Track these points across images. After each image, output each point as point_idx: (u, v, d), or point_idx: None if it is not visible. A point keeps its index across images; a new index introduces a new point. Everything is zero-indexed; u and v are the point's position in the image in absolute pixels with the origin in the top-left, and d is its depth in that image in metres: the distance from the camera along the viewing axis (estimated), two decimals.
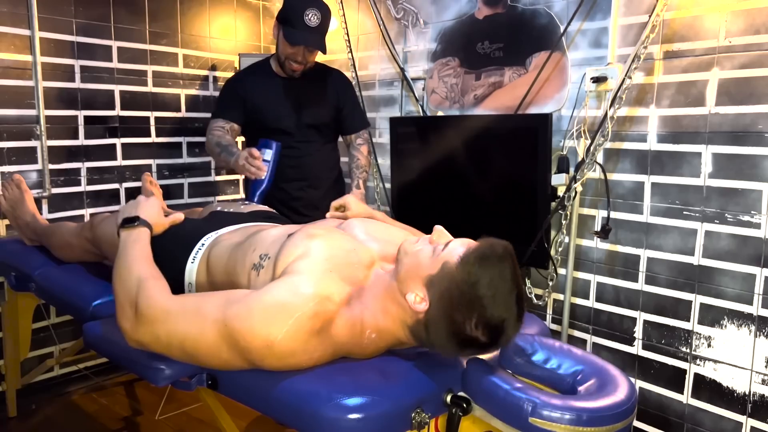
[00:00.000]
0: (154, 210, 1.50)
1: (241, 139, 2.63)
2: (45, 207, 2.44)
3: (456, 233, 1.21)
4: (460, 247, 1.12)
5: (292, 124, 2.31)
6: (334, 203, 1.70)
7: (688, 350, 1.95)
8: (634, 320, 2.07)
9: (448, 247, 1.13)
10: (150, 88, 2.73)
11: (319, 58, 2.37)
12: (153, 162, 2.78)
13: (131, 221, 1.44)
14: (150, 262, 1.36)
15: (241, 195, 3.14)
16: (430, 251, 1.14)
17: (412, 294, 1.12)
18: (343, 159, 2.53)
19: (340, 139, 2.49)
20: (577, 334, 2.22)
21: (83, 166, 2.55)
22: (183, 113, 2.87)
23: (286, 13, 2.19)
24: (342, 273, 1.21)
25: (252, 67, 2.43)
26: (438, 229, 1.19)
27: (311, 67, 2.30)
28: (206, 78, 2.94)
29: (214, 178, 3.03)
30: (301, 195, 2.37)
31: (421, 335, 1.15)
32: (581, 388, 1.13)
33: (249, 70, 2.42)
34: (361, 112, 2.48)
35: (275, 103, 2.31)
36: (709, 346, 1.91)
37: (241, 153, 2.07)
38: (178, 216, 1.56)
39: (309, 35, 2.16)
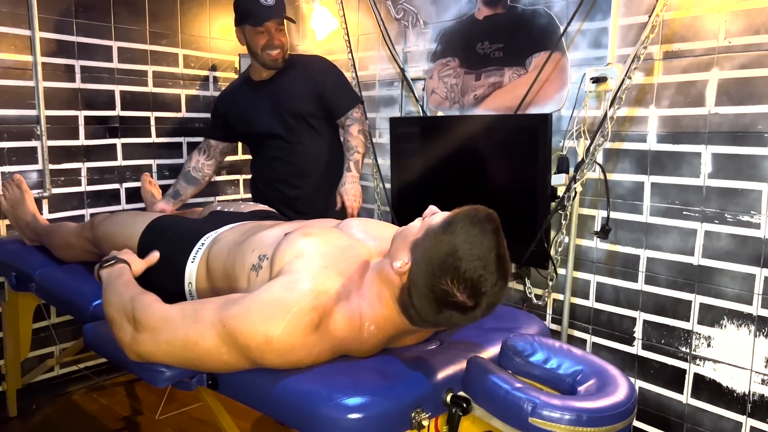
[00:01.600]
0: (129, 254, 1.50)
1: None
2: (45, 207, 2.44)
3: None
4: (445, 213, 1.15)
5: (277, 124, 2.26)
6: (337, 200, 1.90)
7: (687, 350, 1.96)
8: (633, 320, 2.07)
9: (434, 215, 1.16)
10: (150, 88, 2.73)
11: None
12: (153, 162, 2.78)
13: (109, 260, 1.45)
14: (138, 286, 1.35)
15: (242, 195, 3.14)
16: (419, 222, 1.18)
17: (399, 261, 1.13)
18: None
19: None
20: (576, 334, 2.22)
21: (83, 166, 2.55)
22: (183, 113, 2.87)
23: (240, 10, 2.18)
24: (338, 269, 1.22)
25: (231, 83, 2.48)
26: (431, 206, 1.21)
27: (285, 59, 2.23)
28: (206, 78, 2.94)
29: (214, 178, 3.02)
30: (297, 193, 2.32)
31: (406, 305, 1.14)
32: (581, 389, 1.13)
33: (228, 87, 2.46)
34: (345, 90, 2.33)
35: (255, 109, 2.29)
36: (708, 346, 1.91)
37: (159, 203, 2.36)
38: (154, 255, 1.53)
39: (271, 10, 2.12)
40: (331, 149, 2.34)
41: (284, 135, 2.27)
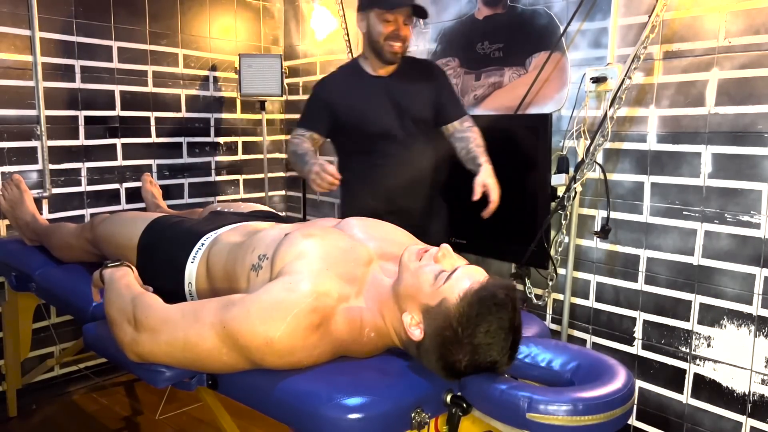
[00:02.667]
0: (131, 267, 1.45)
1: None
2: (45, 207, 2.44)
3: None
4: (462, 283, 1.08)
5: (396, 126, 2.02)
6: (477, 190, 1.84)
7: (687, 350, 1.95)
8: (633, 320, 2.07)
9: (450, 281, 1.09)
10: (150, 88, 2.73)
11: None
12: (153, 162, 2.78)
13: (115, 262, 1.41)
14: (140, 288, 1.34)
15: (242, 195, 3.15)
16: (432, 278, 1.11)
17: (409, 315, 1.12)
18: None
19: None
20: (576, 334, 2.22)
21: (83, 166, 2.55)
22: (183, 113, 2.87)
23: None
24: (338, 271, 1.21)
25: (339, 69, 2.17)
26: (444, 248, 1.16)
27: (402, 58, 2.03)
28: (206, 78, 2.94)
29: (214, 178, 3.03)
30: (411, 204, 2.07)
31: (411, 351, 1.17)
32: (577, 379, 1.13)
33: (336, 73, 2.15)
34: (457, 98, 2.18)
35: (372, 105, 2.03)
36: (708, 346, 1.91)
37: (314, 164, 1.85)
38: (149, 288, 1.42)
39: None
40: (437, 158, 2.13)
41: (402, 138, 2.03)
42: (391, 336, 1.20)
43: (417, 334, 1.11)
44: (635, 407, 2.08)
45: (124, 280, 1.35)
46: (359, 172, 2.06)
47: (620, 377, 1.09)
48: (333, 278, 1.19)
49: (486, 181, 1.88)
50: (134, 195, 2.68)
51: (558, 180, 2.08)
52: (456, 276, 1.09)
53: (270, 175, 3.19)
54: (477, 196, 1.87)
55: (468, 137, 2.04)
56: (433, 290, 1.09)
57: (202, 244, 1.53)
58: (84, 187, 2.56)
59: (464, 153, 2.02)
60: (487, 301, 1.05)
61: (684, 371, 1.97)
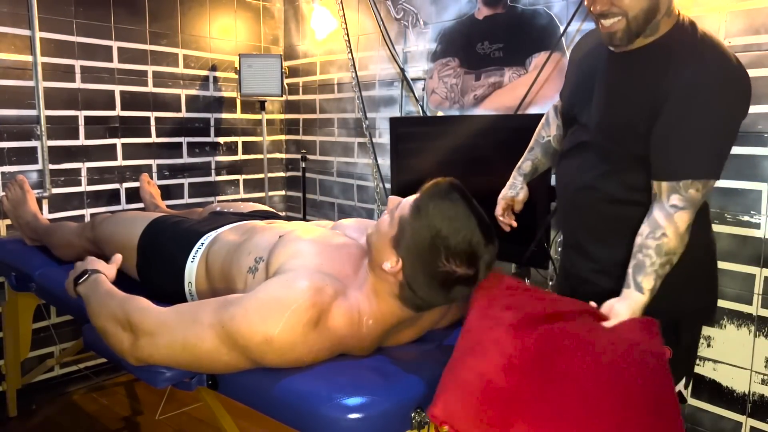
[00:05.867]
0: (97, 262, 1.44)
1: None
2: (45, 207, 2.44)
3: None
4: (409, 199, 1.17)
5: (591, 121, 1.36)
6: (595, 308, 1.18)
7: None
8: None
9: (399, 206, 1.18)
10: (150, 88, 2.73)
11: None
12: (153, 162, 2.78)
13: (82, 276, 1.38)
14: (121, 291, 1.32)
15: (241, 195, 3.15)
16: (387, 218, 1.19)
17: (387, 262, 1.16)
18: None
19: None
20: None
21: (83, 166, 2.55)
22: (183, 113, 2.87)
23: None
24: (334, 267, 1.23)
25: (593, 31, 1.43)
26: (391, 198, 1.23)
27: (633, 38, 1.23)
28: (206, 78, 2.94)
29: (214, 178, 3.03)
30: (594, 253, 1.38)
31: (410, 298, 1.18)
32: None
33: (589, 34, 1.49)
34: (705, 139, 1.19)
35: (586, 84, 1.39)
36: (708, 346, 1.91)
37: (499, 201, 1.58)
38: (117, 256, 1.46)
39: None
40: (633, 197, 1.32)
41: (593, 139, 1.36)
42: (390, 312, 1.21)
43: (398, 267, 1.15)
44: None
45: (102, 288, 1.33)
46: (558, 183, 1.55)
47: None
48: (329, 273, 1.20)
49: (613, 308, 1.18)
50: (134, 195, 2.68)
51: None
52: (403, 201, 1.19)
53: (270, 175, 3.19)
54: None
55: (652, 223, 1.23)
56: (392, 223, 1.17)
57: (202, 243, 1.53)
58: (84, 187, 2.56)
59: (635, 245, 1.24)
60: (433, 194, 1.14)
61: None
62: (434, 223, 1.11)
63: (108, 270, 1.42)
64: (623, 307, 1.17)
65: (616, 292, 1.23)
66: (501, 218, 1.64)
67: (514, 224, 1.62)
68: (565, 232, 1.48)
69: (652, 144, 1.22)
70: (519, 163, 1.66)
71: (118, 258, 1.47)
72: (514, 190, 1.64)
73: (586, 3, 1.26)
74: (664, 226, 1.19)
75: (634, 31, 1.22)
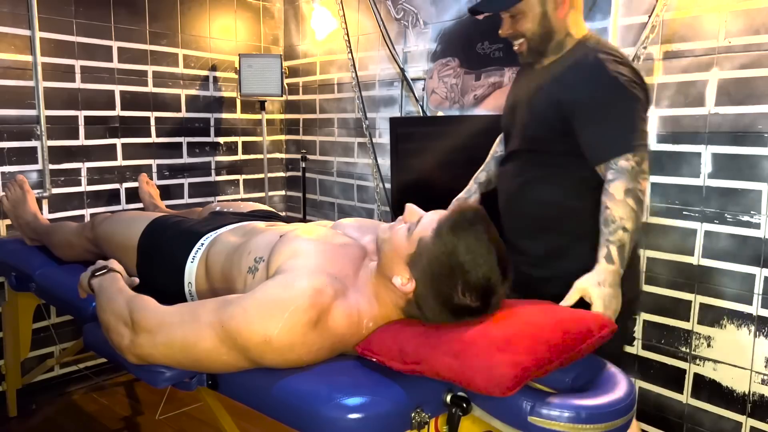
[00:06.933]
0: (119, 266, 1.43)
1: None
2: (45, 207, 2.44)
3: None
4: (431, 220, 1.15)
5: (518, 131, 1.58)
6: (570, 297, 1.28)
7: (687, 350, 1.95)
8: (633, 320, 2.07)
9: (420, 224, 1.17)
10: (150, 88, 2.73)
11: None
12: (153, 162, 2.78)
13: (100, 269, 1.39)
14: (132, 291, 1.32)
15: (242, 195, 3.15)
16: (405, 231, 1.18)
17: (398, 277, 1.16)
18: None
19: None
20: None
21: (83, 166, 2.55)
22: (183, 113, 2.87)
23: None
24: (334, 267, 1.23)
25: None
26: (408, 207, 1.22)
27: (537, 52, 1.53)
28: (206, 78, 2.94)
29: (214, 178, 3.03)
30: (525, 247, 1.55)
31: (415, 314, 1.19)
32: (580, 387, 1.13)
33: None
34: (615, 128, 1.40)
35: (509, 97, 1.67)
36: (708, 346, 1.91)
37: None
38: (134, 280, 1.42)
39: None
40: (559, 193, 1.51)
41: (518, 148, 1.59)
42: (390, 318, 1.22)
43: (410, 287, 1.15)
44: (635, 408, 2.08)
45: (115, 285, 1.34)
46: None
47: (623, 387, 1.09)
48: (329, 274, 1.20)
49: (583, 285, 1.30)
50: (134, 195, 2.68)
51: None
52: (424, 219, 1.17)
53: (270, 175, 3.19)
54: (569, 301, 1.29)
55: (603, 202, 1.38)
56: (409, 240, 1.16)
57: (202, 243, 1.53)
58: (84, 187, 2.56)
59: None
60: (458, 221, 1.12)
61: (684, 371, 1.97)
62: (455, 255, 1.10)
63: (125, 276, 1.41)
64: (583, 277, 1.31)
65: (544, 279, 1.48)
66: None
67: None
68: (504, 230, 1.59)
69: (580, 142, 1.42)
70: (476, 174, 1.85)
71: (134, 281, 1.44)
72: (468, 193, 1.83)
73: (500, 32, 1.57)
74: (604, 200, 1.35)
75: (536, 49, 1.52)
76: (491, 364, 1.02)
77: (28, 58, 2.35)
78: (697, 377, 1.94)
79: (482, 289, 1.11)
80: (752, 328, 1.81)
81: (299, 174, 3.05)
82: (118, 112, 2.63)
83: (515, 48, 1.56)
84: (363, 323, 1.19)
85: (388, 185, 2.75)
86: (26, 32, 2.33)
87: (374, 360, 1.15)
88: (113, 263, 1.43)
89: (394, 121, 2.57)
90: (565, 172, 1.48)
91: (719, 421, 1.90)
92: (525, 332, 1.09)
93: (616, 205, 1.33)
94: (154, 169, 2.79)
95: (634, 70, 1.45)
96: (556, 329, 1.11)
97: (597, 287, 1.27)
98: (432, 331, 1.14)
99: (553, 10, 1.48)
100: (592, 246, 1.35)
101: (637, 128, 1.41)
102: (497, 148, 1.85)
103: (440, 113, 2.58)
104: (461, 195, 1.84)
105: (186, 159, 2.90)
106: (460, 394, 1.14)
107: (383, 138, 2.80)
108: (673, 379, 1.99)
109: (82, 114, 2.53)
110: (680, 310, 1.96)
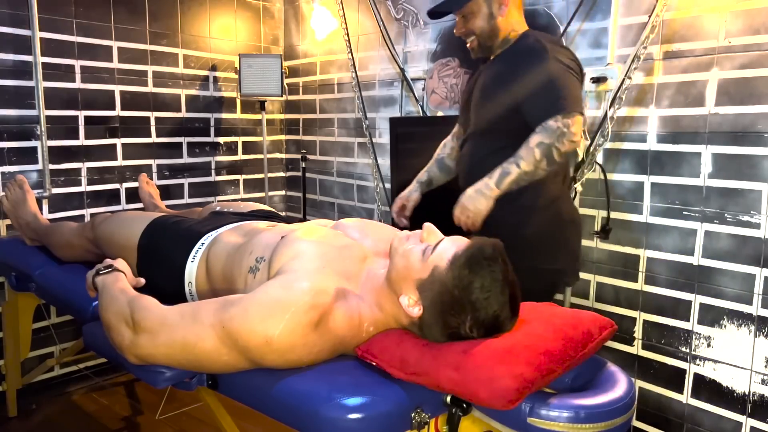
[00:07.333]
0: (125, 266, 1.44)
1: None
2: (45, 207, 2.44)
3: (456, 234, 1.21)
4: (449, 249, 1.12)
5: (468, 120, 1.86)
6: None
7: (687, 350, 1.95)
8: (633, 320, 2.07)
9: (437, 250, 1.13)
10: (150, 88, 2.73)
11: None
12: (153, 162, 2.78)
13: (105, 268, 1.40)
14: (135, 291, 1.33)
15: (242, 195, 3.15)
16: (420, 253, 1.15)
17: (406, 297, 1.14)
18: None
19: None
20: None
21: (83, 166, 2.55)
22: (183, 113, 2.87)
23: None
24: (335, 268, 1.23)
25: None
26: (428, 226, 1.20)
27: (488, 48, 1.79)
28: (206, 78, 2.94)
29: (214, 178, 3.03)
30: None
31: (415, 332, 1.18)
32: (580, 386, 1.13)
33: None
34: (548, 93, 1.62)
35: (464, 93, 1.94)
36: (708, 346, 1.91)
37: (397, 200, 1.98)
38: (140, 280, 1.44)
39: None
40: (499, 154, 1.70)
41: (474, 136, 1.85)
42: (390, 326, 1.21)
43: (416, 311, 1.14)
44: (635, 407, 2.08)
45: (118, 284, 1.34)
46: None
47: (623, 385, 1.09)
48: (330, 276, 1.20)
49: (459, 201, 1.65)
50: (134, 195, 2.68)
51: None
52: (442, 245, 1.14)
53: (270, 175, 3.19)
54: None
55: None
56: (424, 264, 1.13)
57: (202, 243, 1.53)
58: (84, 187, 2.56)
59: None
60: (476, 257, 1.09)
61: (684, 371, 1.97)
62: (468, 291, 1.08)
63: (129, 276, 1.42)
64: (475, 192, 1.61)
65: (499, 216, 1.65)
66: (395, 216, 1.99)
67: (407, 223, 1.96)
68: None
69: (524, 112, 1.64)
70: (418, 174, 2.03)
71: (140, 281, 1.44)
72: (408, 192, 2.00)
73: (454, 31, 1.82)
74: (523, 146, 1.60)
75: (486, 45, 1.78)
76: (493, 376, 1.01)
77: (29, 58, 2.35)
78: (697, 377, 1.94)
79: (490, 326, 1.10)
80: (752, 328, 1.81)
81: (299, 174, 3.05)
82: (118, 112, 2.63)
83: (468, 45, 1.81)
84: (363, 326, 1.19)
85: (388, 185, 2.75)
86: (26, 32, 2.33)
87: (374, 363, 1.15)
88: (119, 263, 1.43)
89: (394, 121, 2.56)
90: (517, 143, 1.62)
91: (719, 421, 1.89)
92: (525, 342, 1.08)
93: (524, 149, 1.59)
94: (154, 169, 2.79)
95: (569, 50, 1.73)
96: (557, 337, 1.10)
97: (469, 190, 1.60)
98: (433, 342, 1.14)
99: (498, 9, 1.73)
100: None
101: (568, 95, 1.60)
102: (440, 151, 2.05)
103: (440, 113, 2.58)
104: (403, 194, 1.99)
105: (186, 159, 2.90)
106: None
107: (383, 138, 2.80)
108: (673, 379, 1.99)
109: (82, 114, 2.53)
110: (680, 310, 1.96)
